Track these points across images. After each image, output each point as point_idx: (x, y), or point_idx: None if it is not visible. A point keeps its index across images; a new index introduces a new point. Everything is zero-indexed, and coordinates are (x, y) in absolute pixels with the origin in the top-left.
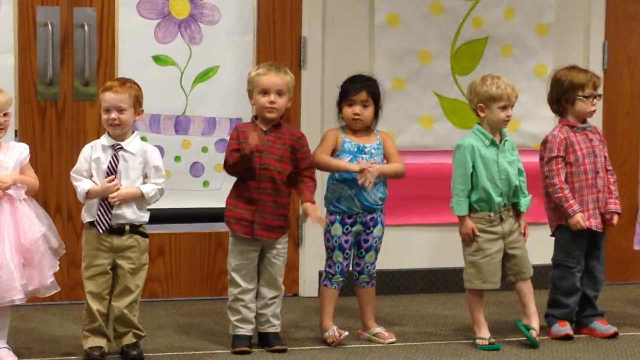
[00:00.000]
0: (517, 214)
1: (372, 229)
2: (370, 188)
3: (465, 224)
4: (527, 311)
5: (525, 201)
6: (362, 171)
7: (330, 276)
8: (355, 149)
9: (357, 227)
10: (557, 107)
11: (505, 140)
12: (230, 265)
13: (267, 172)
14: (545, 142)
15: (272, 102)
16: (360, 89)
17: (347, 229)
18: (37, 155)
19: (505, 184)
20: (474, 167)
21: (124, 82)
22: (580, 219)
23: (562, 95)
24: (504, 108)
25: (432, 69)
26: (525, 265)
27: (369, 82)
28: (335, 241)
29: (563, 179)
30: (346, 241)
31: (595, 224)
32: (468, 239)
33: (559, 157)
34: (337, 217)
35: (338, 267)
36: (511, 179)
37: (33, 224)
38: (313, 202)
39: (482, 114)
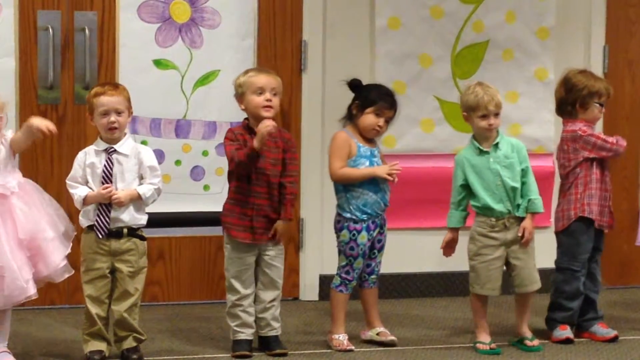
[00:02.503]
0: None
1: (384, 228)
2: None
3: (445, 236)
4: (518, 324)
5: (524, 203)
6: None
7: (347, 282)
8: (369, 154)
9: (377, 230)
10: (570, 108)
11: (497, 143)
12: (230, 272)
13: (262, 176)
14: (580, 131)
15: (269, 100)
16: (392, 105)
17: (371, 235)
18: (37, 160)
19: (501, 189)
20: (467, 178)
21: (116, 85)
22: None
23: (577, 99)
24: (484, 117)
25: (432, 73)
26: (526, 277)
27: (396, 100)
28: (361, 249)
29: None
30: (369, 247)
31: (602, 222)
32: (444, 250)
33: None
34: (363, 224)
35: (356, 273)
36: (506, 182)
37: (29, 215)
38: (290, 219)
39: (469, 123)
